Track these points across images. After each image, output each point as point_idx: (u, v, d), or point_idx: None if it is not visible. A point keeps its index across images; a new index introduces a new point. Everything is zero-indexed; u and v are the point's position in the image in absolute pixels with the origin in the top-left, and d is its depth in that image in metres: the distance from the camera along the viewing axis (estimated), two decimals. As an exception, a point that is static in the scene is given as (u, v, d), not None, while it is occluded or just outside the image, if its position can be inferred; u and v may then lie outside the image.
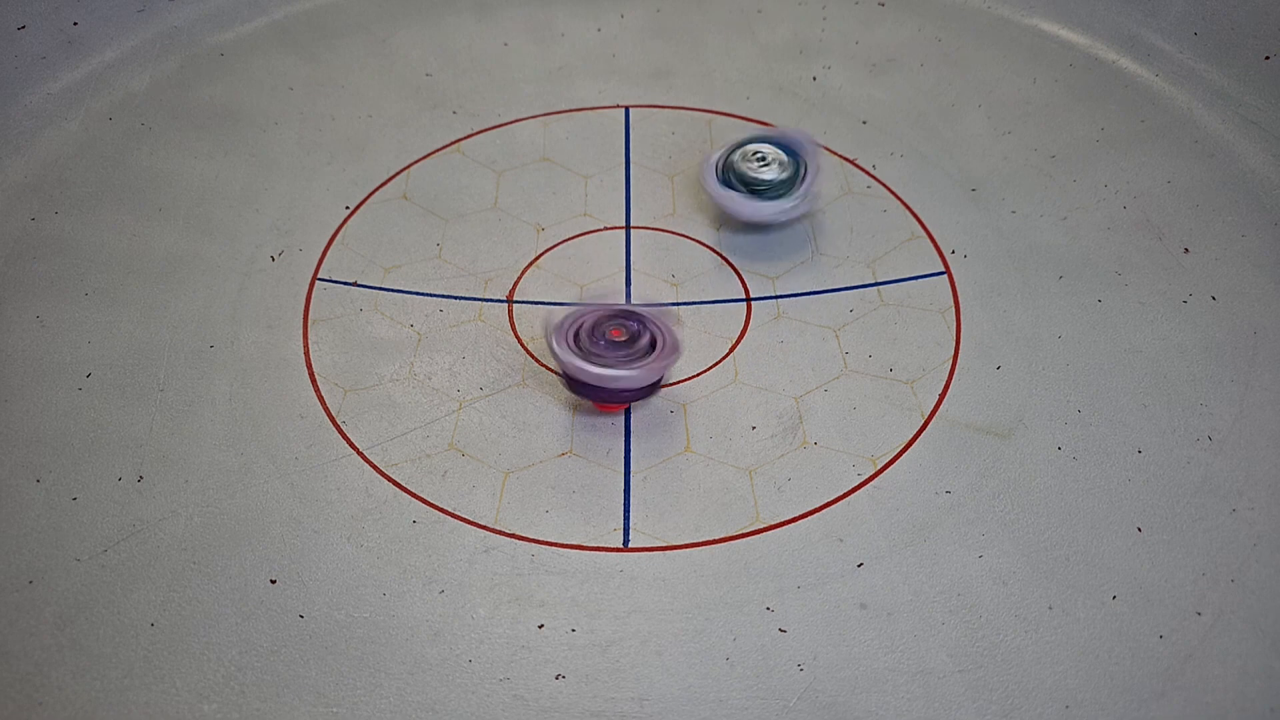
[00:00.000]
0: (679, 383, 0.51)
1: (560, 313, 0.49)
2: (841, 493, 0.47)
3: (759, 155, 0.56)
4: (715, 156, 0.57)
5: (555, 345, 0.47)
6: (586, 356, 0.46)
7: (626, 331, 0.47)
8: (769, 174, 0.55)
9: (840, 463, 0.48)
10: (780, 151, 0.56)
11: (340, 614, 0.43)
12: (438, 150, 0.63)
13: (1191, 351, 0.52)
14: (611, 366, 0.46)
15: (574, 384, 0.48)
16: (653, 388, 0.48)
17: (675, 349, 0.47)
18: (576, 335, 0.47)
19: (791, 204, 0.55)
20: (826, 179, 0.57)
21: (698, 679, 0.41)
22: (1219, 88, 0.65)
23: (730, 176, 0.56)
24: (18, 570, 0.44)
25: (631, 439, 0.49)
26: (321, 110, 0.65)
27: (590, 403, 0.50)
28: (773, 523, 0.46)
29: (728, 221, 0.58)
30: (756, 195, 0.55)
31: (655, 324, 0.48)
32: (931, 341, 0.53)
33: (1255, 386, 0.50)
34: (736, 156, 0.56)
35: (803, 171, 0.56)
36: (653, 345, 0.47)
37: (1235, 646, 0.41)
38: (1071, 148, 0.62)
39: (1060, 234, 0.58)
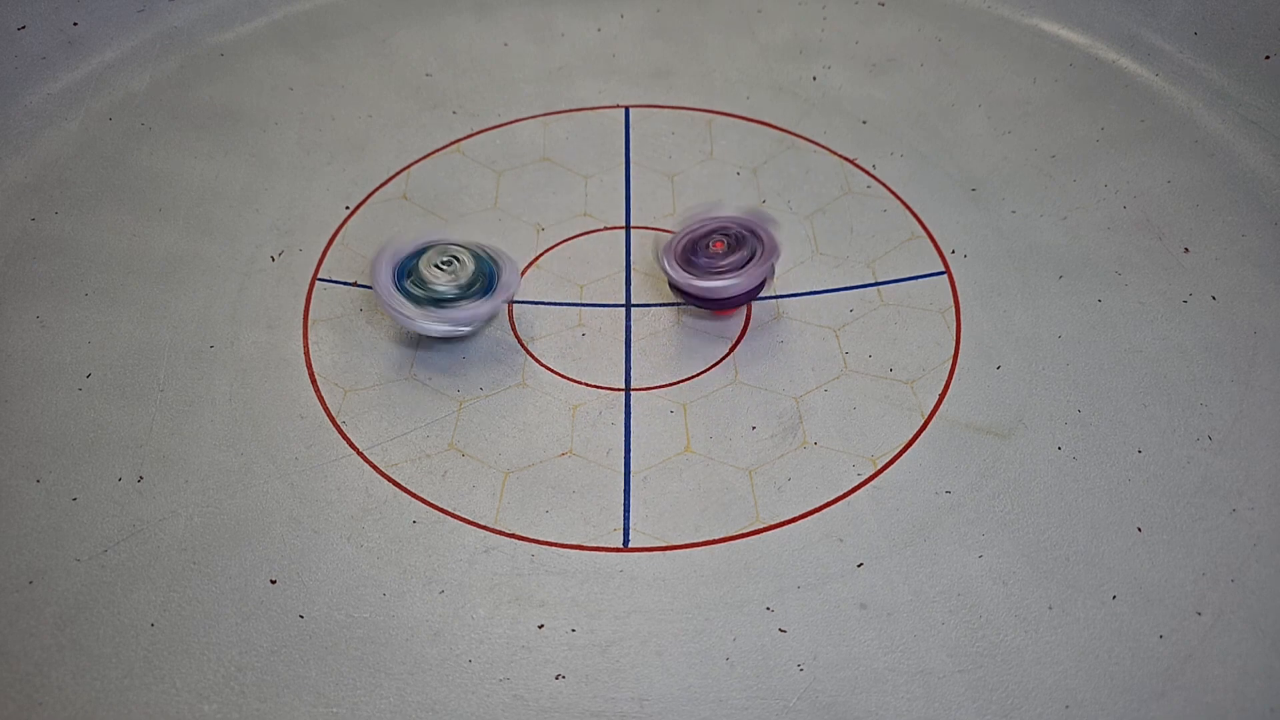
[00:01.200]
0: (678, 383, 0.51)
1: (665, 237, 0.53)
2: (841, 493, 0.47)
3: (446, 259, 0.50)
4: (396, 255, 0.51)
5: (666, 265, 0.51)
6: (694, 271, 0.51)
7: (727, 241, 0.51)
8: (444, 284, 0.50)
9: (840, 463, 0.48)
10: (468, 256, 0.51)
11: (340, 614, 0.43)
12: (438, 150, 0.63)
13: (1191, 351, 0.52)
14: (713, 278, 0.50)
15: (688, 297, 0.52)
16: (760, 288, 0.52)
17: (774, 250, 0.51)
18: (683, 252, 0.51)
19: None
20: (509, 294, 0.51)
21: (698, 679, 0.41)
22: (1219, 88, 0.65)
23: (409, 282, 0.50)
24: (18, 570, 0.44)
25: (631, 439, 0.49)
26: (321, 110, 0.65)
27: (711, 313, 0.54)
28: (773, 523, 0.46)
29: None
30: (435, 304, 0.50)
31: (754, 228, 0.52)
32: (931, 341, 0.53)
33: (1255, 386, 0.50)
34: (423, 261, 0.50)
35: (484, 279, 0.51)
36: (754, 251, 0.51)
37: (1235, 646, 0.41)
38: (1071, 148, 0.62)
39: (1060, 234, 0.58)
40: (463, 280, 0.50)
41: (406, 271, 0.50)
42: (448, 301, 0.50)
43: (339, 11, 0.72)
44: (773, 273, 0.52)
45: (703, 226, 0.52)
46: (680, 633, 0.42)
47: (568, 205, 0.60)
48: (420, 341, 0.53)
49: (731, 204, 0.55)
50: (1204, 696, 0.40)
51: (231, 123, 0.64)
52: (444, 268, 0.50)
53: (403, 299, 0.50)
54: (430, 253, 0.51)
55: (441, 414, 0.50)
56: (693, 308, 0.54)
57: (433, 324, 0.49)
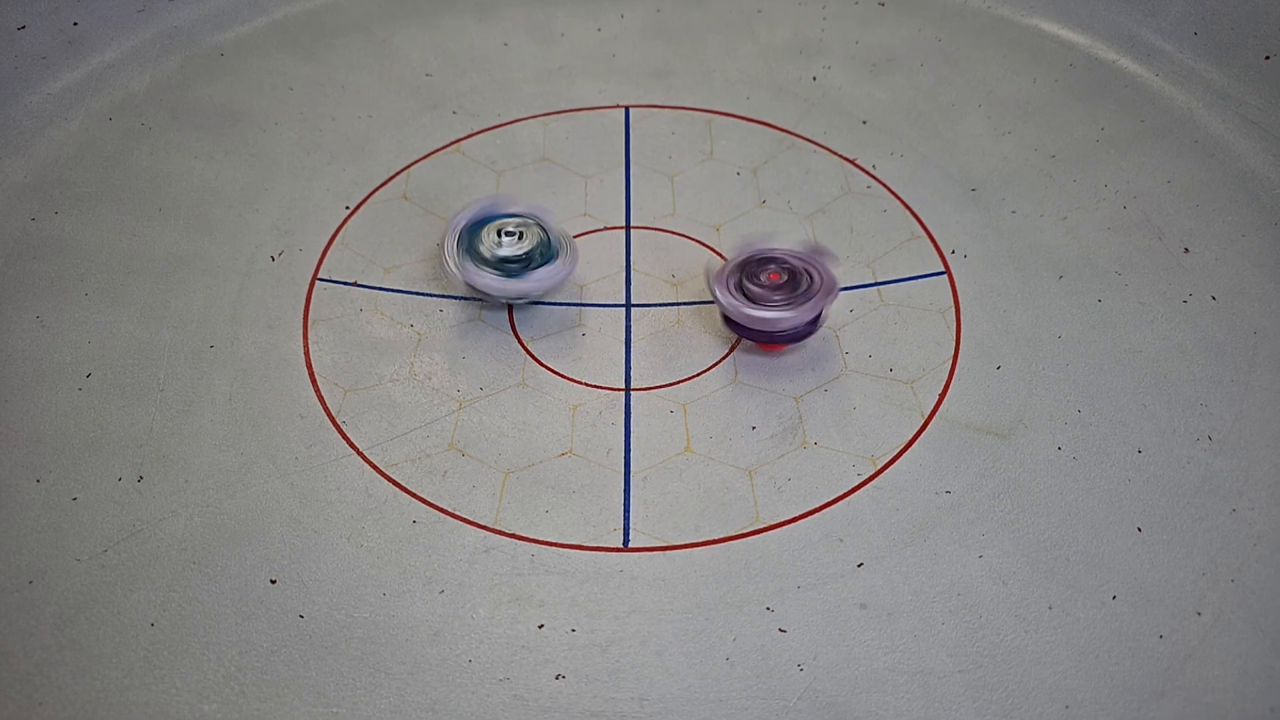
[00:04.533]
0: (678, 383, 0.51)
1: (716, 261, 0.52)
2: (841, 493, 0.47)
3: (506, 231, 0.52)
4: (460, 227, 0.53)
5: (717, 290, 0.49)
6: (747, 299, 0.49)
7: (785, 273, 0.49)
8: (511, 250, 0.51)
9: (840, 463, 0.48)
10: (528, 224, 0.52)
11: (340, 614, 0.43)
12: (438, 150, 0.63)
13: (1191, 351, 0.52)
14: (768, 309, 0.49)
15: (734, 325, 0.51)
16: (811, 326, 0.50)
17: (832, 289, 0.49)
18: (739, 278, 0.50)
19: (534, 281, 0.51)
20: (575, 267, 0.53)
21: (698, 679, 0.41)
22: (1219, 88, 0.65)
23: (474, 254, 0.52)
24: (18, 570, 0.44)
25: (631, 439, 0.49)
26: (321, 110, 0.65)
27: (754, 344, 0.52)
28: (773, 523, 0.46)
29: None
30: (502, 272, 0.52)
31: (813, 264, 0.50)
32: (931, 341, 0.53)
33: (1255, 386, 0.50)
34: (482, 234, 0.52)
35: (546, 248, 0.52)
36: (810, 285, 0.49)
37: (1235, 646, 0.41)
38: (1071, 148, 0.62)
39: (1060, 234, 0.58)
40: (529, 247, 0.52)
41: (470, 246, 0.52)
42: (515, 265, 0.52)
43: (339, 11, 0.72)
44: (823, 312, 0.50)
45: (758, 255, 0.50)
46: (680, 633, 0.42)
47: (568, 205, 0.60)
48: (420, 341, 0.53)
49: (789, 238, 0.54)
50: (1204, 696, 0.40)
51: (231, 123, 0.64)
52: (511, 237, 0.52)
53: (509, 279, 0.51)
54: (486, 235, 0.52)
55: (441, 414, 0.50)
56: (743, 339, 0.52)
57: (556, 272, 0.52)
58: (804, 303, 0.49)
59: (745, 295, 0.49)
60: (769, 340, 0.50)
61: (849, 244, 0.58)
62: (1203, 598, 0.43)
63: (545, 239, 0.52)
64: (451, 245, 0.52)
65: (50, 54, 0.66)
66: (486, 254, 0.51)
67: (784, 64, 0.68)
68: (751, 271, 0.50)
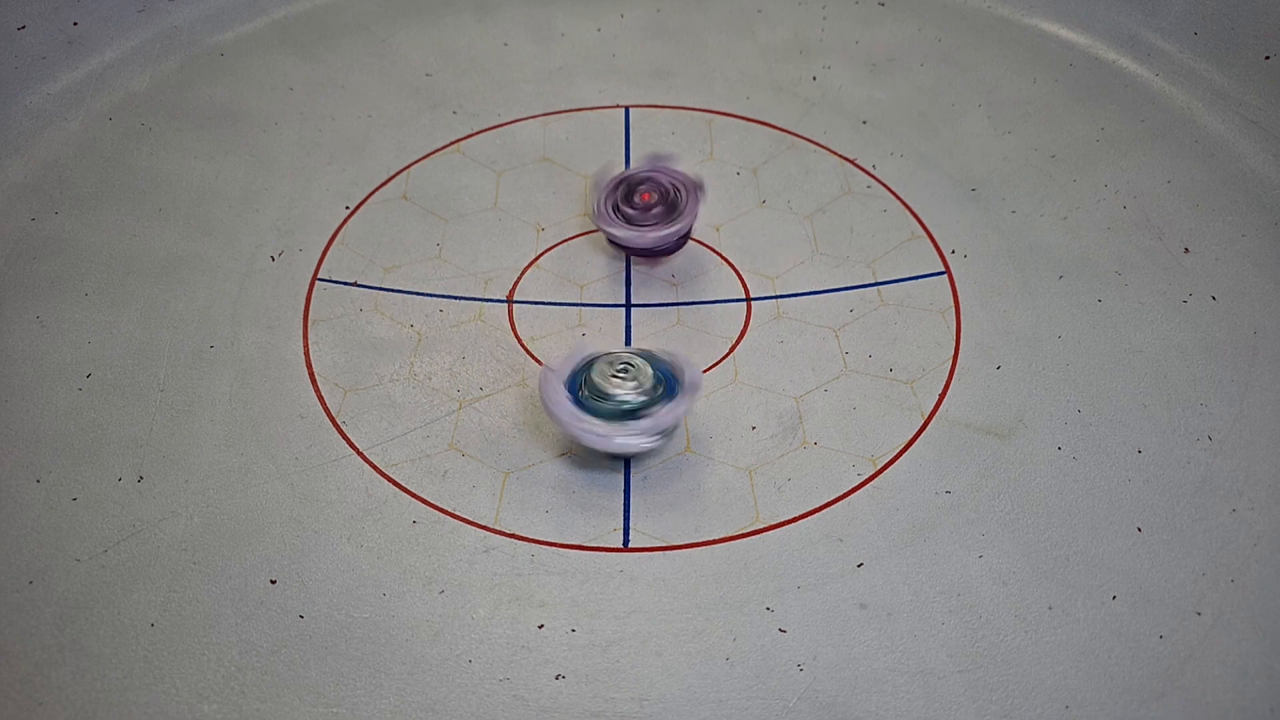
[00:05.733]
0: (679, 383, 0.51)
1: (607, 174, 0.56)
2: (841, 493, 0.47)
3: (623, 367, 0.46)
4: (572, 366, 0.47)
5: (597, 210, 0.55)
6: (621, 218, 0.55)
7: (656, 193, 0.55)
8: (627, 392, 0.46)
9: (840, 463, 0.48)
10: (649, 366, 0.47)
11: (340, 614, 0.43)
12: (438, 150, 0.63)
13: (1191, 351, 0.52)
14: (631, 228, 0.54)
15: (612, 241, 0.56)
16: (679, 243, 0.56)
17: (693, 211, 0.54)
18: (618, 198, 0.55)
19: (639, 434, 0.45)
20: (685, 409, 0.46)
21: (698, 679, 0.41)
22: (1219, 88, 0.65)
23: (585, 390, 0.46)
24: (18, 570, 0.44)
25: (631, 439, 0.49)
26: (321, 110, 0.65)
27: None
28: (773, 523, 0.46)
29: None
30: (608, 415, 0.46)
31: (682, 185, 0.55)
32: (931, 341, 0.53)
33: (1255, 386, 0.50)
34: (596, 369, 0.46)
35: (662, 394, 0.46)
36: (678, 203, 0.55)
37: (1235, 646, 0.41)
38: (1071, 148, 0.62)
39: (1060, 234, 0.58)
40: (645, 385, 0.46)
41: (578, 387, 0.46)
42: (638, 410, 0.46)
43: (339, 11, 0.72)
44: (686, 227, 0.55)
45: (638, 175, 0.55)
46: (680, 633, 0.42)
47: (568, 205, 0.60)
48: (420, 341, 0.53)
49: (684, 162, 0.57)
50: (1204, 696, 0.40)
51: (231, 123, 0.64)
52: (621, 376, 0.46)
53: (591, 417, 0.45)
54: (600, 363, 0.47)
55: (441, 414, 0.50)
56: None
57: (634, 439, 0.45)
58: (668, 223, 0.54)
59: (621, 215, 0.55)
60: (641, 254, 0.56)
61: (849, 244, 0.58)
62: (1203, 598, 0.43)
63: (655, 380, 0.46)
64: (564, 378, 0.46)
65: (50, 54, 0.66)
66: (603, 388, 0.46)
67: (784, 64, 0.68)
68: (626, 192, 0.55)
